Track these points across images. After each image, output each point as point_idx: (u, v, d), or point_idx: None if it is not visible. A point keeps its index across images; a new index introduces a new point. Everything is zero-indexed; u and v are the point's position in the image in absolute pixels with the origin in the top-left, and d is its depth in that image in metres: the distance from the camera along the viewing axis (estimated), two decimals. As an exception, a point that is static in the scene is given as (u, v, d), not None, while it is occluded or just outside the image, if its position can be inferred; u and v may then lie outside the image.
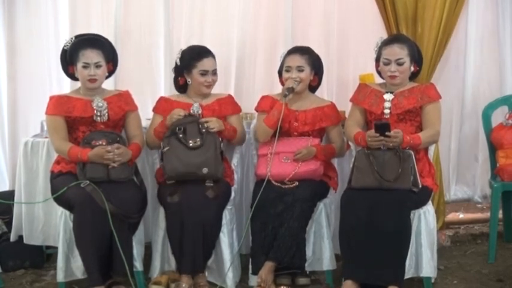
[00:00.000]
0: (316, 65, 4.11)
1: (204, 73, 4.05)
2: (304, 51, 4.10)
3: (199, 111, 4.06)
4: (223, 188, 3.95)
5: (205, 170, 3.85)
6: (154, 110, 4.13)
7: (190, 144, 3.89)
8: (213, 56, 4.11)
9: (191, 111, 4.04)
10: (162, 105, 4.10)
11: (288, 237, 3.79)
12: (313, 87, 4.20)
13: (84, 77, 3.90)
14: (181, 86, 4.17)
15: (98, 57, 3.92)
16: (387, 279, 3.63)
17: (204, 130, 3.93)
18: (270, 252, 3.81)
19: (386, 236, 3.62)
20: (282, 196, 3.86)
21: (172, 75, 4.26)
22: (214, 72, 4.11)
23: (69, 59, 3.91)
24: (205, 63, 4.05)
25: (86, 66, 3.88)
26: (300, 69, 4.05)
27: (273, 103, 4.07)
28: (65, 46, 3.94)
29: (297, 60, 4.06)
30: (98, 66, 3.91)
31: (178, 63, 4.09)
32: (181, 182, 3.87)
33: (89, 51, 3.89)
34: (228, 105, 4.15)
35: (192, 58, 4.06)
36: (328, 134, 4.14)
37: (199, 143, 3.90)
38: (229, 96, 4.23)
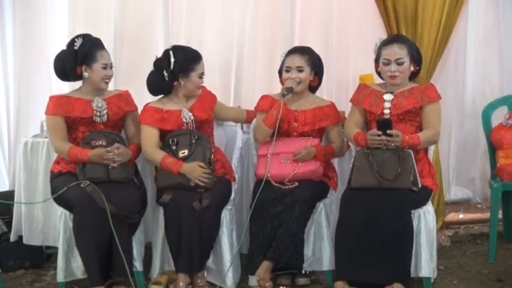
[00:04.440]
0: (316, 65, 4.11)
1: (201, 76, 4.02)
2: (304, 51, 4.10)
3: (191, 118, 4.02)
4: (221, 189, 3.93)
5: (192, 183, 3.84)
6: (145, 121, 3.96)
7: (179, 156, 3.89)
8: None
9: (183, 120, 3.99)
10: (153, 116, 3.98)
11: (287, 237, 3.79)
12: (313, 88, 4.20)
13: (101, 77, 3.90)
14: (169, 88, 4.05)
15: (111, 59, 3.97)
16: (391, 277, 3.64)
17: (193, 141, 3.93)
18: (268, 251, 3.81)
19: (388, 235, 3.63)
20: (282, 197, 3.86)
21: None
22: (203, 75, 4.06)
23: (80, 59, 3.88)
24: (203, 66, 4.02)
25: (105, 67, 3.90)
26: (299, 70, 4.04)
27: (273, 103, 4.07)
28: (74, 46, 3.89)
29: (297, 61, 4.05)
30: (111, 67, 3.96)
31: (172, 67, 3.95)
32: None
33: (105, 52, 3.94)
34: (208, 98, 4.11)
35: (192, 61, 3.98)
36: (328, 134, 4.14)
37: (186, 153, 3.89)
38: (204, 89, 4.13)
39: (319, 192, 3.99)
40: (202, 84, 4.07)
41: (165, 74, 3.96)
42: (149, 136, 3.96)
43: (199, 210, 3.77)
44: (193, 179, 3.83)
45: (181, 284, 3.79)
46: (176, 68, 3.95)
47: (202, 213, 3.78)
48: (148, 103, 4.07)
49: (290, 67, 4.06)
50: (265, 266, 3.81)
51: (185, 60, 3.96)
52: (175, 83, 3.99)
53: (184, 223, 3.77)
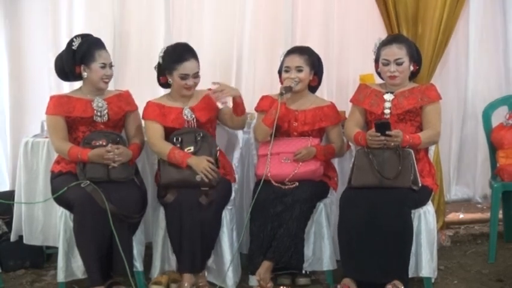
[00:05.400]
0: (315, 65, 4.10)
1: (184, 77, 3.99)
2: (303, 51, 4.09)
3: (193, 116, 4.03)
4: (222, 189, 3.93)
5: (198, 178, 3.82)
6: (148, 116, 4.00)
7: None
8: (196, 58, 4.02)
9: (185, 118, 4.00)
10: (155, 111, 4.01)
11: (287, 237, 3.79)
12: (313, 88, 4.20)
13: (100, 76, 3.90)
14: (163, 84, 4.13)
15: (110, 58, 3.97)
16: (391, 276, 3.64)
17: (198, 138, 3.93)
18: (268, 251, 3.81)
19: (388, 234, 3.63)
20: (282, 197, 3.86)
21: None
22: (195, 75, 4.01)
23: (79, 59, 3.89)
24: (186, 67, 3.98)
25: (103, 66, 3.90)
26: (299, 70, 4.04)
27: (273, 103, 4.07)
28: (72, 45, 3.90)
29: (296, 61, 4.05)
30: (111, 66, 3.95)
31: (161, 62, 4.02)
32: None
33: (103, 51, 3.93)
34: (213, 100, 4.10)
35: (174, 60, 3.98)
36: (328, 134, 4.14)
37: (192, 150, 3.89)
38: (209, 90, 4.13)
39: (320, 192, 3.99)
40: (187, 85, 3.99)
41: (155, 68, 4.06)
42: (154, 130, 3.98)
43: (204, 205, 3.76)
44: (199, 171, 3.81)
45: (186, 285, 3.78)
46: (162, 64, 4.01)
47: (203, 212, 3.77)
48: (150, 100, 4.09)
49: (289, 67, 4.06)
50: (265, 266, 3.81)
51: (169, 58, 4.00)
52: (161, 77, 4.05)
53: (186, 223, 3.77)
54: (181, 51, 4.02)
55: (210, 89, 4.04)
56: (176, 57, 3.99)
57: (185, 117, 4.01)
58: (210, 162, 3.85)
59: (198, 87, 4.14)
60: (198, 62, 4.02)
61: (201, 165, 3.83)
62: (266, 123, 4.01)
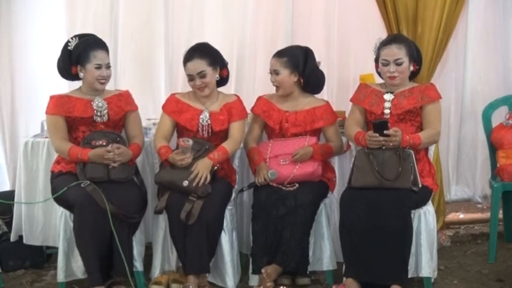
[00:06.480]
0: (298, 65, 4.02)
1: (190, 78, 4.00)
2: (282, 54, 4.07)
3: (208, 122, 4.01)
4: (222, 189, 3.93)
5: (185, 183, 3.81)
6: (162, 108, 4.08)
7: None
8: (201, 57, 3.98)
9: (199, 121, 3.99)
10: (173, 106, 4.04)
11: (293, 242, 3.78)
12: (306, 87, 4.13)
13: (95, 77, 3.89)
14: None
15: (107, 59, 3.95)
16: (390, 278, 3.65)
17: (203, 150, 3.91)
18: (276, 257, 3.80)
19: (388, 235, 3.63)
20: (284, 199, 3.85)
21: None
22: (202, 75, 3.97)
23: (75, 59, 3.89)
24: (188, 68, 3.99)
25: (98, 67, 3.89)
26: (276, 73, 4.06)
27: (266, 105, 4.12)
28: (68, 46, 3.90)
29: (273, 64, 4.07)
30: (108, 67, 3.93)
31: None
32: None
33: (99, 52, 3.91)
34: (235, 111, 4.06)
35: (183, 62, 4.02)
36: (325, 134, 4.13)
37: (190, 159, 3.87)
38: (237, 100, 4.12)
39: (321, 192, 3.99)
40: (196, 86, 3.99)
41: None
42: (161, 123, 4.06)
43: (185, 220, 3.74)
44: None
45: (191, 287, 3.77)
46: None
47: (207, 213, 3.77)
48: (176, 92, 4.16)
49: (270, 70, 4.08)
50: (274, 267, 3.80)
51: (183, 59, 4.03)
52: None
53: (190, 225, 3.75)
54: (188, 52, 4.03)
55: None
56: (183, 59, 4.03)
57: (201, 120, 4.00)
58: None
59: (225, 90, 4.18)
60: (205, 59, 3.97)
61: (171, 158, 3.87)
62: (251, 166, 4.07)
